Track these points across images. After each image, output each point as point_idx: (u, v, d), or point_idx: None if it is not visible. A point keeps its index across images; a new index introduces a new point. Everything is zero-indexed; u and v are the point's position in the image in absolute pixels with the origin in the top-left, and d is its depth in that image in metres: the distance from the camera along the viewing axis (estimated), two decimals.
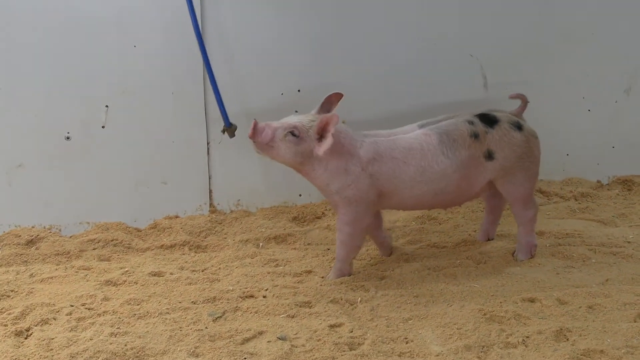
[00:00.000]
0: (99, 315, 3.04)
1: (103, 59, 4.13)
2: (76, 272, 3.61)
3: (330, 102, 3.47)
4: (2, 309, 3.14)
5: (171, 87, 4.17)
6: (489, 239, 3.88)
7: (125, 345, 2.72)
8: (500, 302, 3.01)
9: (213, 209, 4.37)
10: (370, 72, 4.45)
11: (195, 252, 3.92)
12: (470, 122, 3.41)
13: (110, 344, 2.73)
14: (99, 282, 3.45)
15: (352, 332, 2.82)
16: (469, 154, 3.39)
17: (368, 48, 4.45)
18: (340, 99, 3.48)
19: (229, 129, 3.95)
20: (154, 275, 3.54)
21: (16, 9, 3.97)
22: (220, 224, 4.21)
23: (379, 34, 4.45)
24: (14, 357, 2.68)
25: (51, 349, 2.74)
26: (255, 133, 3.29)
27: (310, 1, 4.37)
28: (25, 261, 3.81)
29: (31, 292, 3.36)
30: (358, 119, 4.29)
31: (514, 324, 2.83)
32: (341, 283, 3.33)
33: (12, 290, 3.38)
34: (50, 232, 4.09)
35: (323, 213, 4.36)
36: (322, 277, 3.46)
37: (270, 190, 4.03)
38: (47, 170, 4.13)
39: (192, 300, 3.17)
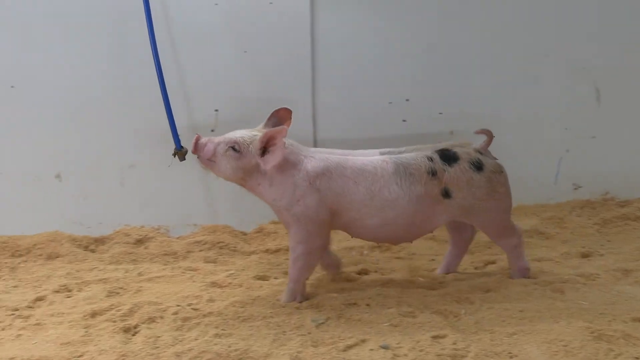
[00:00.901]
0: (205, 316, 3.08)
1: (214, 65, 4.21)
2: (183, 272, 3.68)
3: (278, 117, 3.38)
4: (111, 306, 3.21)
5: (279, 93, 4.21)
6: (448, 273, 3.66)
7: (230, 346, 2.75)
8: (609, 321, 2.92)
9: None
10: (476, 81, 4.42)
11: None
12: (430, 159, 3.28)
13: (215, 344, 2.76)
14: (204, 284, 3.50)
15: (455, 344, 2.77)
16: (425, 190, 3.25)
17: (475, 56, 4.41)
18: (290, 115, 3.38)
19: (180, 152, 3.80)
20: (259, 279, 3.57)
21: (134, 16, 4.07)
22: None
23: (487, 43, 4.41)
24: (121, 353, 2.74)
25: (157, 347, 2.79)
26: (197, 148, 3.25)
27: (419, 9, 4.36)
28: (134, 260, 3.90)
29: (139, 290, 3.44)
30: (464, 129, 4.26)
31: (623, 344, 2.74)
32: (445, 294, 3.29)
33: (121, 288, 3.47)
34: (158, 232, 4.18)
35: None
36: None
37: None
38: (157, 172, 4.22)
39: (295, 306, 3.18)
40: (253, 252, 4.01)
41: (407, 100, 4.34)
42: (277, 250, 3.99)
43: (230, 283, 3.50)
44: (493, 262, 3.78)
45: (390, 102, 4.35)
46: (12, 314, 3.19)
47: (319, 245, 3.30)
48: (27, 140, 4.17)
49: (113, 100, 4.18)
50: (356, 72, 4.35)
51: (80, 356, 2.74)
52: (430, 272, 3.64)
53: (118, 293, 3.43)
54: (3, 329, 3.04)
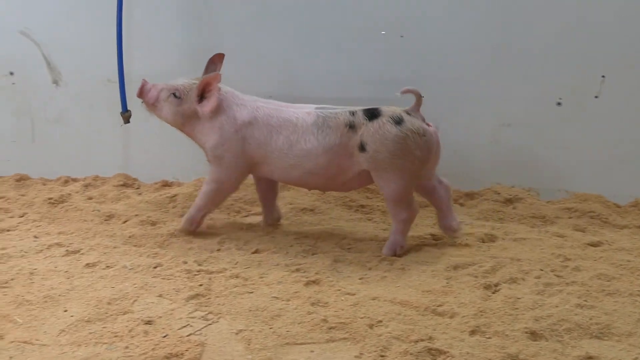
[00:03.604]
0: (567, 284, 3.00)
1: (603, 29, 4.03)
2: (550, 237, 3.60)
3: (213, 63, 3.62)
4: (472, 262, 3.24)
5: None
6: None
7: (591, 319, 2.65)
8: None
9: None
10: None
11: None
12: (352, 113, 3.37)
13: (576, 314, 2.68)
14: (574, 251, 3.41)
15: None
16: (340, 142, 3.34)
17: None
18: (222, 59, 3.62)
19: (124, 114, 3.88)
20: (628, 253, 3.40)
21: None
22: None
23: None
24: (480, 309, 2.75)
25: (516, 308, 2.76)
26: (141, 92, 3.56)
27: None
28: (501, 218, 3.89)
29: (505, 249, 3.42)
30: None
31: None
32: None
33: (486, 243, 3.51)
34: (528, 194, 4.12)
35: None
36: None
37: None
38: (532, 132, 4.17)
39: None
40: (625, 226, 3.81)
41: None
42: None
43: (599, 256, 3.36)
44: None
45: None
46: (379, 256, 3.33)
47: (229, 189, 3.59)
48: None
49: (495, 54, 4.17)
50: None
51: (439, 306, 2.79)
52: None
53: (480, 248, 3.44)
54: (370, 269, 3.19)
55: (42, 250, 3.38)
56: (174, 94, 3.53)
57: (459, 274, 3.12)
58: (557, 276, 3.09)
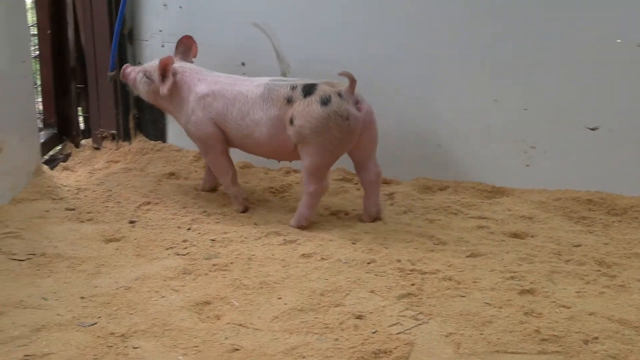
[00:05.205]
0: None
1: None
2: None
3: (184, 45, 3.99)
4: None
5: None
6: (373, 220, 3.78)
7: None
8: None
9: None
10: None
11: None
12: (293, 88, 3.60)
13: None
14: None
15: None
16: (278, 114, 3.60)
17: None
18: (192, 40, 4.01)
19: (111, 74, 4.33)
20: None
21: None
22: None
23: None
24: None
25: None
26: (124, 75, 4.04)
27: None
28: None
29: None
30: None
31: None
32: None
33: None
34: None
35: None
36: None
37: None
38: None
39: None
40: None
41: None
42: None
43: None
44: None
45: None
46: (599, 270, 3.19)
47: (219, 150, 3.85)
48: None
49: None
50: None
51: None
52: None
53: None
54: (587, 283, 3.07)
55: (260, 238, 3.52)
56: (145, 75, 3.95)
57: None
58: None
